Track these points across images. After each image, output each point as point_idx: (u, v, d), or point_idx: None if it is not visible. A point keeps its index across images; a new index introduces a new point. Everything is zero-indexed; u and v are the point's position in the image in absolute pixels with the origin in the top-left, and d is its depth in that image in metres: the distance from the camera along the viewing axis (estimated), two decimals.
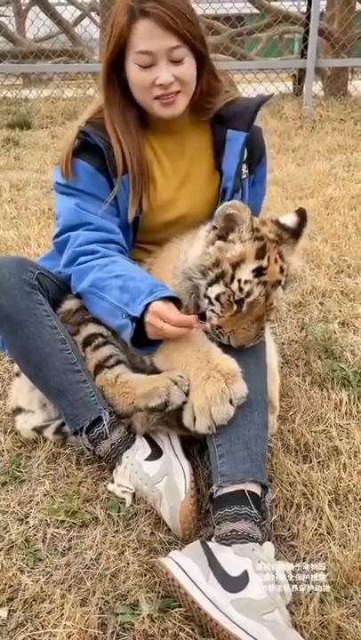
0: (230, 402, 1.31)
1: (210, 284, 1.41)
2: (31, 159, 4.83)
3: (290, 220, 1.51)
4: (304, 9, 6.54)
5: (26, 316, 1.48)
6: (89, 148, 1.57)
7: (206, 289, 1.41)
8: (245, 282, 1.35)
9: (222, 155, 1.66)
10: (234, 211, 1.38)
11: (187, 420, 1.37)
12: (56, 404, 1.53)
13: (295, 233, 1.49)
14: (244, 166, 1.69)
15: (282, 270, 1.40)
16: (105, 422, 1.47)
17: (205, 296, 1.42)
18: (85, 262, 1.53)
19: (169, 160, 1.68)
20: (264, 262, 1.37)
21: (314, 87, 6.22)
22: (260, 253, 1.37)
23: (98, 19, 8.29)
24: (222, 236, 1.42)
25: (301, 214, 1.51)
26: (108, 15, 6.86)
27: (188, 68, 1.51)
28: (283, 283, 1.41)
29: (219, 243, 1.41)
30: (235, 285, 1.36)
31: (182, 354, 1.41)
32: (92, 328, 1.57)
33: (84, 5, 9.30)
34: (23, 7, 9.79)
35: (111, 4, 6.93)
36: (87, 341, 1.56)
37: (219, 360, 1.37)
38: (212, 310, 1.41)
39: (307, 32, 5.99)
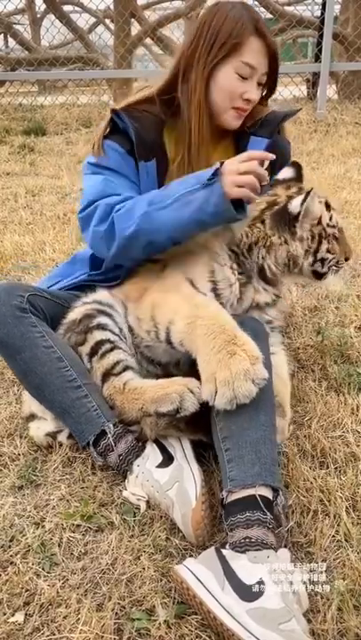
0: (253, 381, 1.29)
1: (316, 251, 1.59)
2: (46, 165, 4.88)
3: (288, 173, 1.74)
4: (318, 13, 6.55)
5: (20, 341, 1.50)
6: (119, 131, 1.64)
7: (316, 256, 1.60)
8: (330, 219, 1.61)
9: None
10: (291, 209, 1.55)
11: (206, 392, 1.32)
12: (62, 421, 1.55)
13: (298, 179, 1.73)
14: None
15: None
16: (109, 435, 1.47)
17: (316, 261, 1.60)
18: (124, 206, 1.54)
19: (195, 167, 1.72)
20: (322, 198, 1.61)
21: (328, 91, 6.21)
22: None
23: (112, 26, 8.35)
24: (293, 226, 1.55)
25: (295, 164, 1.75)
26: (122, 22, 6.96)
27: (260, 94, 1.70)
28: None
29: (300, 228, 1.56)
30: (329, 230, 1.60)
31: (210, 322, 1.38)
32: (98, 335, 1.56)
33: (99, 13, 9.38)
34: (38, 15, 9.93)
35: (126, 10, 7.00)
36: (94, 350, 1.54)
37: (245, 341, 1.34)
38: (329, 261, 1.62)
39: (321, 36, 5.99)
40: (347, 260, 1.66)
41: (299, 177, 1.72)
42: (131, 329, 1.62)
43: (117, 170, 1.64)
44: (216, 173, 1.41)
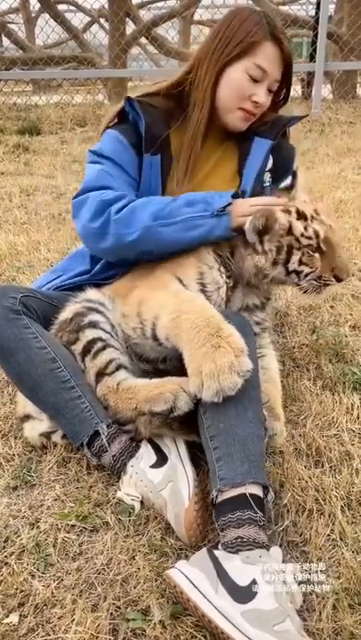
0: (238, 374, 1.28)
1: (286, 262, 1.53)
2: (41, 165, 4.86)
3: (288, 181, 1.68)
4: (312, 12, 6.55)
5: (13, 343, 1.49)
6: (127, 123, 1.67)
7: (286, 267, 1.53)
8: (305, 228, 1.51)
9: (247, 159, 1.73)
10: (262, 220, 1.48)
11: (193, 385, 1.31)
12: (56, 422, 1.55)
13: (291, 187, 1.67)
14: (268, 175, 1.74)
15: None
16: (103, 436, 1.46)
17: (290, 273, 1.54)
18: (122, 207, 1.55)
19: (196, 163, 1.73)
20: (293, 208, 1.54)
21: (323, 90, 6.23)
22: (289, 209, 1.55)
23: (107, 25, 8.34)
24: (262, 238, 1.52)
25: (293, 173, 1.69)
26: (117, 21, 6.95)
27: (269, 101, 1.70)
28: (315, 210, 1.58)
29: (266, 242, 1.52)
30: (304, 241, 1.51)
31: (195, 316, 1.37)
32: (90, 333, 1.55)
33: (93, 12, 9.37)
34: (33, 14, 9.91)
35: (120, 10, 6.99)
36: (86, 349, 1.53)
37: (229, 333, 1.33)
38: (306, 274, 1.53)
39: (315, 35, 6.00)
40: (338, 279, 1.53)
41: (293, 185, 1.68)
42: (119, 326, 1.61)
43: (116, 160, 1.64)
44: (226, 206, 1.50)
